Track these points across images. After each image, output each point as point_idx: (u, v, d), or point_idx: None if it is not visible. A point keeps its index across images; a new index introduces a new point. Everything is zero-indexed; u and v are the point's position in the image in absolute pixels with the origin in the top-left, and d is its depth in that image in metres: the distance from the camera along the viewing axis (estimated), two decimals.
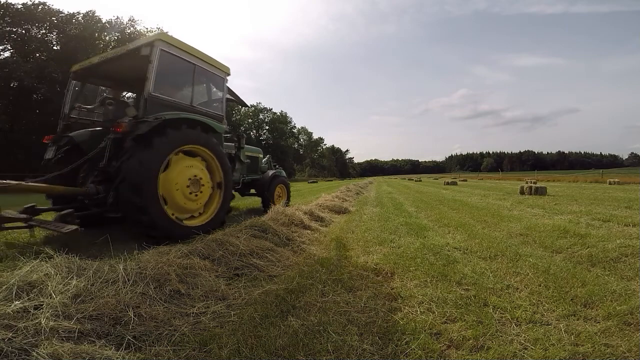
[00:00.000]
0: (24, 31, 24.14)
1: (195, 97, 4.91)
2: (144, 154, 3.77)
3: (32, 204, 4.16)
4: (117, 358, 1.63)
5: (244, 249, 3.37)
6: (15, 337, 1.55)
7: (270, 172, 7.42)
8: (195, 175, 4.47)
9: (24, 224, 3.92)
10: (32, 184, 3.79)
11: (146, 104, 4.07)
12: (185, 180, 4.33)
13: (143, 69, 4.24)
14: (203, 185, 4.58)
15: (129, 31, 29.87)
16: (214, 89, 5.53)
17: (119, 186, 3.70)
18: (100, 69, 5.09)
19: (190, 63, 4.73)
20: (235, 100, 6.69)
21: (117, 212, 3.96)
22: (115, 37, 29.54)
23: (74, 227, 3.41)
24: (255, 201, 8.52)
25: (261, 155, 7.99)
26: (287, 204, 7.02)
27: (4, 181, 3.64)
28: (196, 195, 4.48)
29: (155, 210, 3.81)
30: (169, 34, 4.18)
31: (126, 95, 6.24)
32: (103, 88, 5.83)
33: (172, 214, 4.17)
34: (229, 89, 5.75)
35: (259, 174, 7.49)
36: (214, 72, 5.27)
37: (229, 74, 5.54)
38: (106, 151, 4.02)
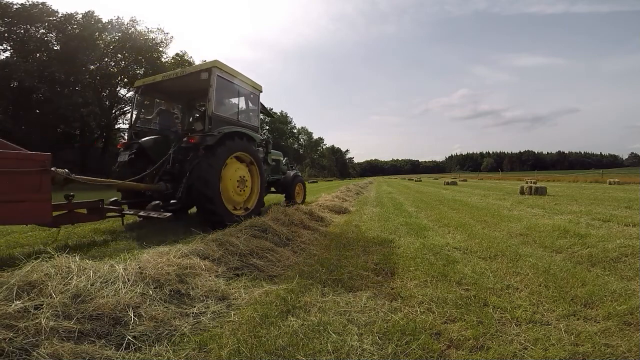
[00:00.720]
0: (22, 31, 24.13)
1: (239, 113, 6.00)
2: (211, 159, 4.80)
3: (115, 198, 5.04)
4: (117, 358, 1.63)
5: (244, 249, 3.37)
6: (16, 337, 1.55)
7: (292, 173, 8.61)
8: (242, 176, 5.59)
9: (117, 214, 4.83)
10: (128, 182, 4.78)
11: (210, 121, 5.09)
12: (235, 180, 5.40)
13: (195, 87, 5.77)
14: (246, 183, 5.67)
15: (130, 31, 29.84)
16: (251, 105, 6.53)
17: (194, 182, 4.68)
18: (161, 86, 5.96)
19: (235, 84, 5.73)
20: (265, 113, 7.64)
21: (180, 204, 4.85)
22: (116, 37, 29.52)
23: (168, 213, 4.33)
24: (273, 198, 9.48)
25: (282, 158, 9.00)
26: (303, 201, 8.61)
27: (108, 180, 4.62)
28: (242, 190, 5.58)
29: (218, 200, 4.85)
30: (223, 62, 5.25)
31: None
32: (158, 100, 6.69)
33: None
34: (261, 103, 6.71)
35: (281, 175, 8.52)
36: (251, 91, 6.27)
37: (261, 91, 6.55)
38: (170, 156, 5.10)
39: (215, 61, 5.09)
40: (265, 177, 6.28)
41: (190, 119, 6.98)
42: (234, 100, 6.09)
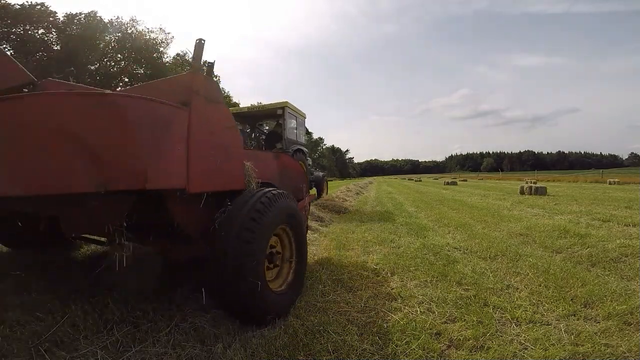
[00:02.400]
0: (22, 31, 24.13)
1: (297, 135, 7.98)
2: None
3: None
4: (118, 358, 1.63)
5: None
6: None
7: (321, 174, 10.85)
8: None
9: None
10: None
11: (285, 142, 7.12)
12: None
13: (262, 115, 7.69)
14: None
15: (130, 31, 29.84)
16: (301, 128, 8.46)
17: None
18: (244, 115, 7.66)
19: (294, 115, 7.69)
20: (307, 133, 9.70)
21: None
22: (116, 37, 29.52)
23: None
24: None
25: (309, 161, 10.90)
26: (326, 193, 10.86)
27: None
28: None
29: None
30: (289, 102, 7.34)
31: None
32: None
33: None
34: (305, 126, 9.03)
35: (311, 175, 10.27)
36: (302, 118, 8.31)
37: (305, 117, 8.64)
38: None
39: (286, 102, 7.11)
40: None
41: (253, 135, 8.54)
42: (294, 126, 7.95)
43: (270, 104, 7.37)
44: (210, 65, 1.99)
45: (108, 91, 1.43)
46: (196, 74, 1.86)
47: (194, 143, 1.67)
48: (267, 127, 8.73)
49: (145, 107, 1.44)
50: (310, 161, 10.86)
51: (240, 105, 46.91)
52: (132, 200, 1.58)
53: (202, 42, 1.92)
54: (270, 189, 2.17)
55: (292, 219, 2.27)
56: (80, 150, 1.29)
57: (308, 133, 10.33)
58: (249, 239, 1.79)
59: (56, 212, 1.69)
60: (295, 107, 7.64)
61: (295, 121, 7.85)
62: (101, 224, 1.60)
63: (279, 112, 7.07)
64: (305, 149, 8.20)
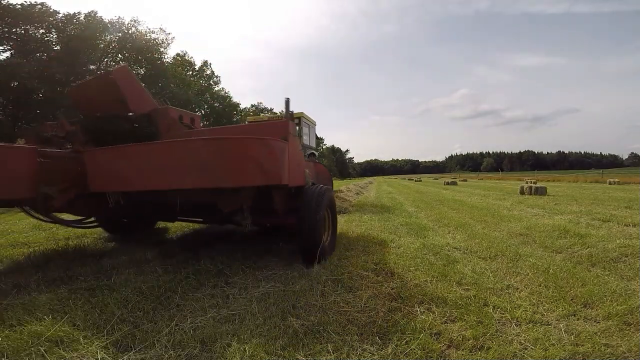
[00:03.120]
0: (22, 31, 24.11)
1: (310, 140, 8.66)
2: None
3: None
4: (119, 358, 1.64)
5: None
6: None
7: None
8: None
9: None
10: None
11: (303, 147, 7.39)
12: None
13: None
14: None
15: (131, 31, 29.84)
16: (312, 133, 9.23)
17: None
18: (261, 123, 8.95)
19: (308, 123, 8.41)
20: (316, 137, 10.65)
21: None
22: (117, 37, 29.52)
23: None
24: None
25: None
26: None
27: None
28: None
29: None
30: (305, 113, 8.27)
31: None
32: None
33: None
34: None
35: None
36: (313, 126, 9.05)
37: (316, 124, 9.35)
38: None
39: (302, 113, 7.98)
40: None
41: None
42: (307, 132, 8.73)
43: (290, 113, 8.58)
44: (289, 111, 3.83)
45: (268, 137, 2.68)
46: (289, 121, 3.28)
47: (290, 160, 2.95)
48: None
49: (278, 143, 2.72)
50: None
51: (241, 106, 46.92)
52: (254, 191, 2.84)
53: (288, 100, 3.70)
54: (322, 185, 3.46)
55: (331, 204, 3.77)
56: (256, 165, 2.48)
57: (318, 138, 11.12)
58: (319, 207, 3.10)
59: (215, 199, 2.75)
60: (308, 117, 8.55)
61: (308, 129, 8.79)
62: (240, 203, 2.83)
63: (296, 121, 7.97)
64: (316, 152, 9.09)
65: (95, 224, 4.21)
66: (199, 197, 2.92)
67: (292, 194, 3.35)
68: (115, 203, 3.02)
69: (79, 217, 3.99)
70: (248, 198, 2.84)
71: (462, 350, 1.74)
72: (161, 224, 5.89)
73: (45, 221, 3.48)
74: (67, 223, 3.69)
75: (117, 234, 4.70)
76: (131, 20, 30.27)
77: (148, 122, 3.66)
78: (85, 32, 26.02)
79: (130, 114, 3.54)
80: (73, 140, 3.22)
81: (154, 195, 2.97)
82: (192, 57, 41.29)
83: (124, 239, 4.55)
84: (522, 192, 11.89)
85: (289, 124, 3.22)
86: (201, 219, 4.00)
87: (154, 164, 2.47)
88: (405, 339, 1.82)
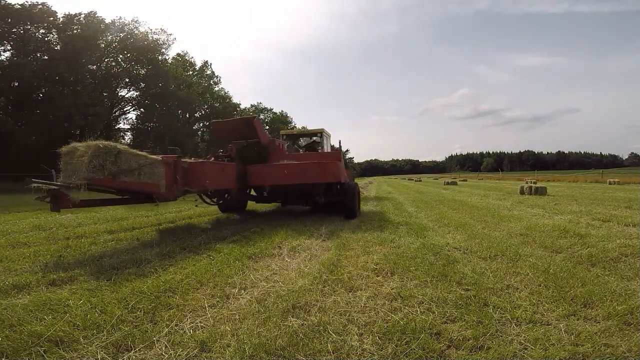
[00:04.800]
0: (23, 31, 24.10)
1: (327, 148, 10.20)
2: None
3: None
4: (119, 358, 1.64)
5: None
6: None
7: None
8: None
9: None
10: None
11: (345, 163, 9.32)
12: None
13: (302, 133, 11.64)
14: None
15: (132, 32, 29.84)
16: (329, 143, 10.71)
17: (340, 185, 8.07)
18: (293, 134, 11.37)
19: (326, 136, 10.09)
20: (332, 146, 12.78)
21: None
22: (118, 37, 29.52)
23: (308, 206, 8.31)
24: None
25: None
26: None
27: None
28: None
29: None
30: (326, 128, 10.18)
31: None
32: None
33: None
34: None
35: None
36: (329, 137, 10.53)
37: (331, 135, 10.87)
38: None
39: (323, 128, 9.81)
40: None
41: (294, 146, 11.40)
42: (326, 142, 10.30)
43: (313, 129, 11.14)
44: (340, 147, 9.67)
45: (334, 161, 6.87)
46: (340, 152, 8.55)
47: (341, 170, 6.85)
48: (302, 141, 11.76)
49: (338, 163, 6.85)
50: None
51: (241, 106, 46.93)
52: (325, 185, 6.51)
53: (340, 141, 9.58)
54: (354, 182, 8.02)
55: (358, 191, 7.25)
56: (332, 173, 6.42)
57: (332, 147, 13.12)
58: (354, 192, 6.69)
59: (311, 188, 6.41)
60: (326, 131, 10.43)
61: (327, 140, 10.64)
62: (321, 190, 6.52)
63: (318, 134, 10.21)
64: (348, 163, 11.15)
65: (220, 202, 7.04)
66: (305, 187, 6.32)
67: (340, 187, 6.67)
68: (267, 192, 6.70)
69: (213, 202, 6.80)
70: (323, 188, 6.48)
71: (462, 350, 1.74)
72: (162, 225, 5.89)
73: (208, 204, 6.68)
74: (210, 204, 6.84)
75: (227, 212, 7.63)
76: (132, 21, 30.27)
77: (267, 148, 6.76)
78: (85, 32, 26.02)
79: (260, 144, 6.69)
80: (236, 158, 6.33)
81: (284, 187, 6.35)
82: (192, 58, 41.30)
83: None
84: (522, 192, 11.89)
85: (340, 154, 8.01)
86: (300, 201, 7.51)
87: (289, 172, 6.08)
88: (405, 339, 1.82)
